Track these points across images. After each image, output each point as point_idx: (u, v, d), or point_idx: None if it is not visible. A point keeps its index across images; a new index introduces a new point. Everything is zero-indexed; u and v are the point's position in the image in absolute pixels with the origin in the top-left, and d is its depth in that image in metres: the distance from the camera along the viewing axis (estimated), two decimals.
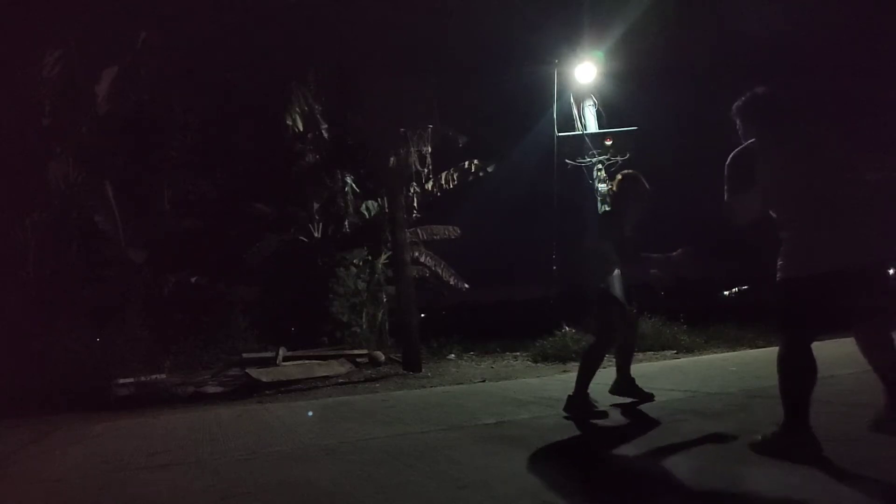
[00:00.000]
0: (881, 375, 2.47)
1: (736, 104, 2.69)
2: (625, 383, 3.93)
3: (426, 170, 12.59)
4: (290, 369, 8.13)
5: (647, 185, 3.83)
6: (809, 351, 2.35)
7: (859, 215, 2.33)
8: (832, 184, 2.38)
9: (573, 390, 3.66)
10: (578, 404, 3.63)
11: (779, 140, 2.49)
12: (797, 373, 2.35)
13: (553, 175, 10.27)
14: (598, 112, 9.88)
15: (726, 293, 29.00)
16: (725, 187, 2.56)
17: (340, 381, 7.83)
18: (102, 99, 10.37)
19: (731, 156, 2.57)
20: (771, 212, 2.53)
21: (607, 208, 3.89)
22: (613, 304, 3.72)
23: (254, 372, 7.77)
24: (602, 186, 9.51)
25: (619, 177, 3.90)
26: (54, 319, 7.84)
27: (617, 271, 3.74)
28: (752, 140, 2.57)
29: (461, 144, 13.33)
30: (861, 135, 2.57)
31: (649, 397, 3.89)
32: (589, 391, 3.68)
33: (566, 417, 3.62)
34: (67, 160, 9.83)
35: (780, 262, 2.46)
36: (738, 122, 2.71)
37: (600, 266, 3.70)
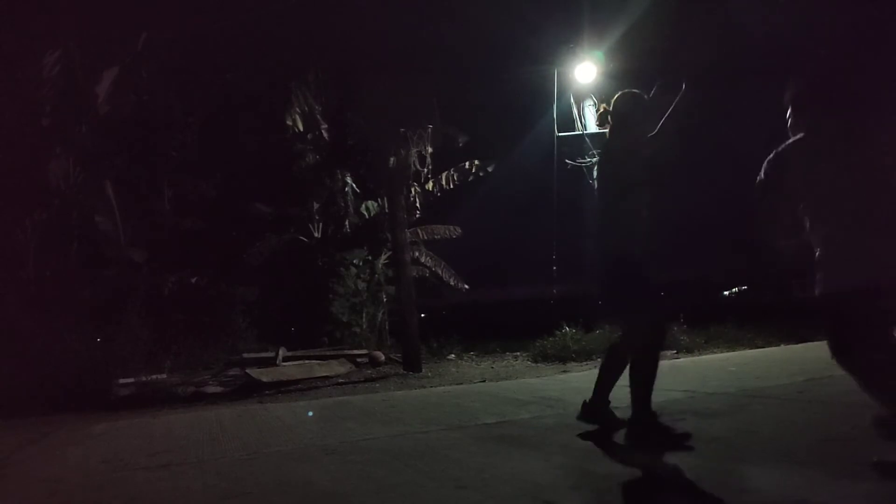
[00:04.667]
0: None
1: (789, 91, 2.42)
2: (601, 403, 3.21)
3: (426, 170, 12.63)
4: (290, 369, 8.13)
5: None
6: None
7: None
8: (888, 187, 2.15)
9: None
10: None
11: (837, 134, 2.22)
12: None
13: (553, 175, 10.30)
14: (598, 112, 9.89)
15: (726, 293, 29.03)
16: (764, 186, 2.33)
17: (340, 381, 7.83)
18: (102, 99, 10.36)
19: (774, 153, 2.32)
20: (809, 217, 2.30)
21: None
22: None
23: (254, 372, 7.77)
24: None
25: None
26: (54, 319, 7.81)
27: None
28: (800, 136, 2.31)
29: (461, 144, 13.35)
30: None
31: (621, 423, 3.10)
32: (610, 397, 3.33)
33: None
34: (67, 160, 9.82)
35: (824, 273, 2.22)
36: (788, 111, 2.43)
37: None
